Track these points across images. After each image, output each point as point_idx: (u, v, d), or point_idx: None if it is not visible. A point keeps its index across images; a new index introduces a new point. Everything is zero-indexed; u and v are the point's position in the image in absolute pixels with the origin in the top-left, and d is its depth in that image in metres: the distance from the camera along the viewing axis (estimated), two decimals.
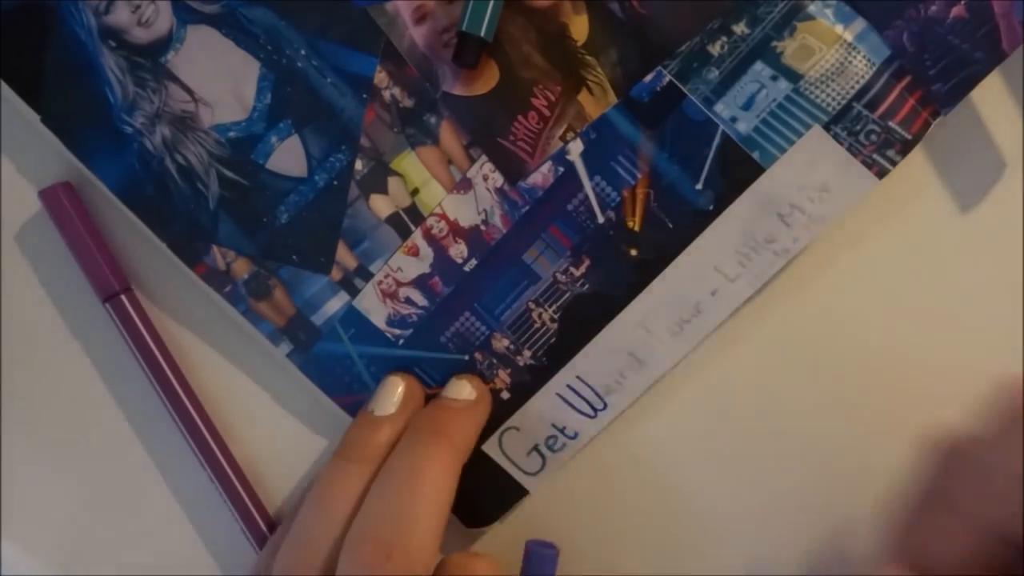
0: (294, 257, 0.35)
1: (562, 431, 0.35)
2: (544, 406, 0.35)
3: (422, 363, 0.35)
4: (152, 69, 0.34)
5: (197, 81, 0.34)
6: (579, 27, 0.33)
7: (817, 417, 0.35)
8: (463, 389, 0.34)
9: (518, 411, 0.35)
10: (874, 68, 0.32)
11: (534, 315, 0.35)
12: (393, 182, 0.35)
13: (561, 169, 0.34)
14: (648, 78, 0.33)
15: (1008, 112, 0.34)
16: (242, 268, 0.35)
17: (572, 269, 0.34)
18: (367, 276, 0.35)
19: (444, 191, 0.34)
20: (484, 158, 0.34)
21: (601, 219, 0.34)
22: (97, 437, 0.37)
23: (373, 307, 0.35)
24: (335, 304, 0.35)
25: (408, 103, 0.34)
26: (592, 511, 0.37)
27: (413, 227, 0.35)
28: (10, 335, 0.37)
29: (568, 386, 0.35)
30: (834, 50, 0.32)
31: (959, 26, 0.32)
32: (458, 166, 0.34)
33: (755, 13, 0.33)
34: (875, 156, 0.33)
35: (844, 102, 0.33)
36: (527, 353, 0.35)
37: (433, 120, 0.34)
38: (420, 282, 0.35)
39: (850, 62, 0.32)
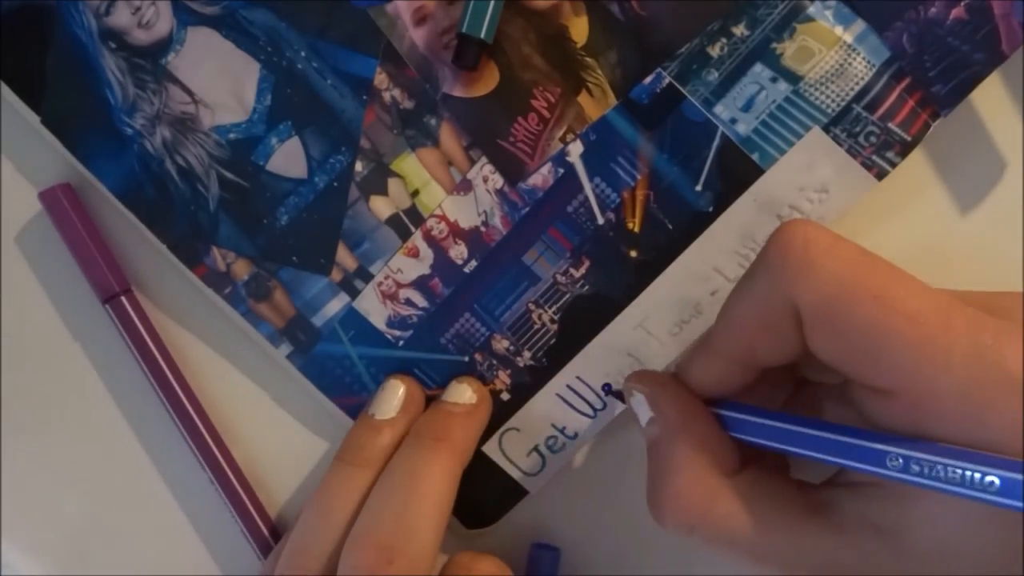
0: (294, 258, 0.35)
1: (562, 431, 0.35)
2: (544, 407, 0.35)
3: (422, 364, 0.36)
4: (152, 71, 0.34)
5: (197, 83, 0.34)
6: (579, 29, 0.33)
7: None
8: (464, 393, 0.35)
9: (518, 412, 0.35)
10: (874, 70, 0.32)
11: (534, 316, 0.35)
12: (393, 183, 0.35)
13: (561, 170, 0.34)
14: (648, 80, 0.33)
15: (1008, 113, 0.34)
16: (242, 269, 0.35)
17: (572, 270, 0.35)
18: (367, 277, 0.35)
19: (444, 192, 0.35)
20: (484, 159, 0.34)
21: (601, 220, 0.34)
22: (97, 438, 0.37)
23: (373, 308, 0.35)
24: (335, 305, 0.35)
25: (408, 104, 0.34)
26: (592, 511, 0.37)
27: (413, 228, 0.35)
28: (10, 335, 0.37)
29: (568, 387, 0.35)
30: (834, 52, 0.32)
31: (959, 27, 0.32)
32: (458, 167, 0.34)
33: (755, 15, 0.33)
34: (875, 157, 0.33)
35: (844, 104, 0.33)
36: (527, 354, 0.35)
37: (433, 121, 0.34)
38: (420, 283, 0.35)
39: (850, 64, 0.32)
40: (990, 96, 0.33)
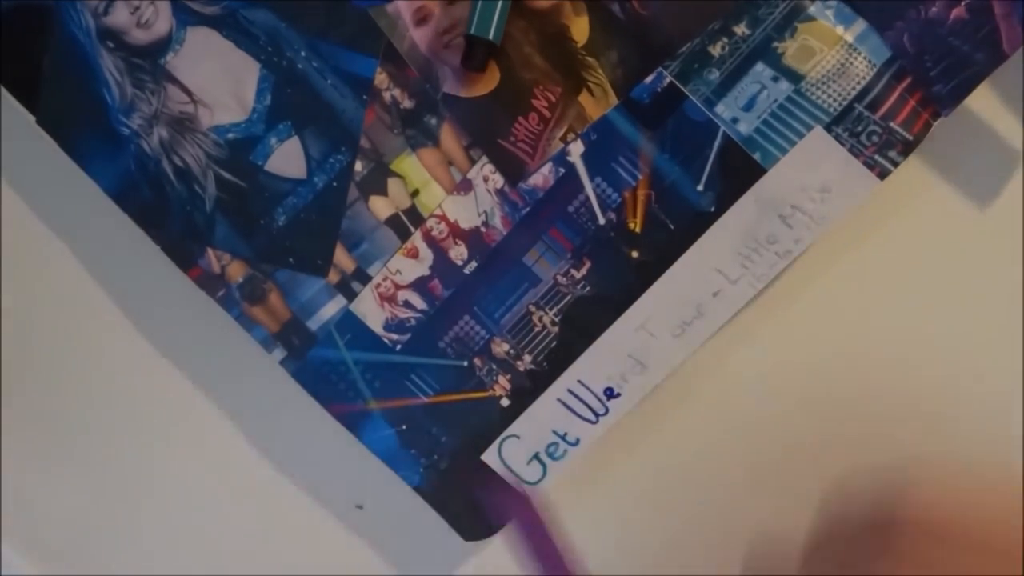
0: (291, 260, 0.35)
1: (563, 437, 0.35)
2: (545, 412, 0.35)
3: (419, 369, 0.35)
4: (151, 70, 0.34)
5: (196, 82, 0.34)
6: (580, 28, 0.33)
7: (820, 416, 0.35)
8: None
9: (518, 418, 0.35)
10: (875, 69, 0.32)
11: (534, 318, 0.34)
12: (393, 183, 0.34)
13: (562, 170, 0.34)
14: (649, 79, 0.33)
15: (1008, 112, 0.34)
16: (237, 271, 0.35)
17: (573, 271, 0.34)
18: (365, 279, 0.35)
19: (444, 192, 0.34)
20: (484, 159, 0.34)
21: (602, 220, 0.34)
22: (97, 438, 0.37)
23: (370, 311, 0.35)
24: (331, 308, 0.35)
25: (408, 104, 0.34)
26: (594, 512, 0.36)
27: (413, 229, 0.34)
28: (10, 335, 0.37)
29: (569, 391, 0.34)
30: (835, 51, 0.33)
31: (959, 27, 0.32)
32: (458, 167, 0.34)
33: (756, 14, 0.33)
34: (876, 157, 0.33)
35: (845, 103, 0.33)
36: (527, 358, 0.34)
37: (433, 121, 0.34)
38: (419, 285, 0.34)
39: (851, 63, 0.33)
40: (990, 96, 0.33)
